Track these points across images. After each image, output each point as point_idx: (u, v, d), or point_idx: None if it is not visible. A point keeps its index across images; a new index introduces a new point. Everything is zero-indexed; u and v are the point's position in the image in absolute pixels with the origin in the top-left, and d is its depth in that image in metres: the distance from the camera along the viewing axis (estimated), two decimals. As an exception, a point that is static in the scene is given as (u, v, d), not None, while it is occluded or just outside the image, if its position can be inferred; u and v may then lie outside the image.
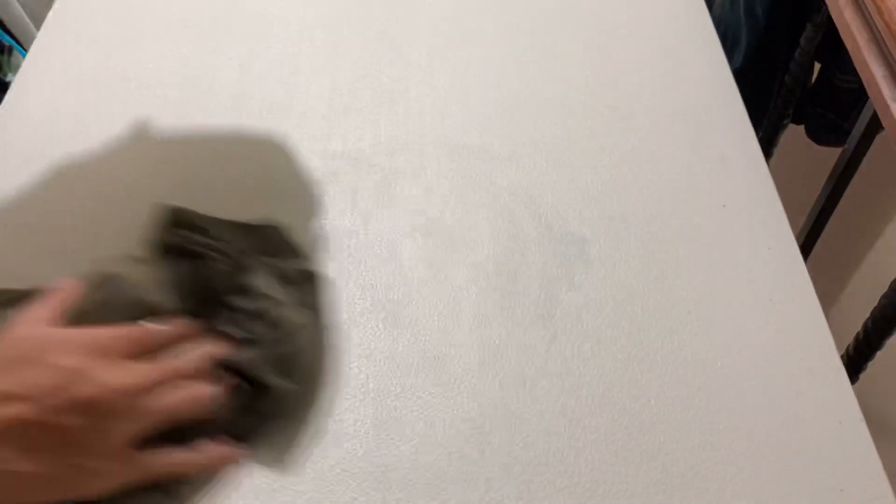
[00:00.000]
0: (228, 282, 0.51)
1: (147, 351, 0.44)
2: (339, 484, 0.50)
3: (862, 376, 0.97)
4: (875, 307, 0.92)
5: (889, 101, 0.73)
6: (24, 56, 0.94)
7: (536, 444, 0.52)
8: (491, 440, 0.52)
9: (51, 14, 0.80)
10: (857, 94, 1.12)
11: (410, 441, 0.52)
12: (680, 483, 0.51)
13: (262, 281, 0.52)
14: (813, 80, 1.19)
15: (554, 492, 0.50)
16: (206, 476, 0.47)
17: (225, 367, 0.47)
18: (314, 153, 0.69)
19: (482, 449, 0.52)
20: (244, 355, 0.48)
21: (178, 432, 0.44)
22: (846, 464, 0.53)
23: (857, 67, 0.80)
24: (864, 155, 1.03)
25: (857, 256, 1.35)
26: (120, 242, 0.55)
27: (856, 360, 0.95)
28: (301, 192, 0.65)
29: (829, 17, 0.90)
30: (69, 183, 0.65)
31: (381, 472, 0.51)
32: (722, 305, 0.60)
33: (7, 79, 1.12)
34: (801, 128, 1.24)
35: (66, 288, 0.47)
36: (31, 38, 1.10)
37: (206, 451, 0.45)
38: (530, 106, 0.75)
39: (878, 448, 0.54)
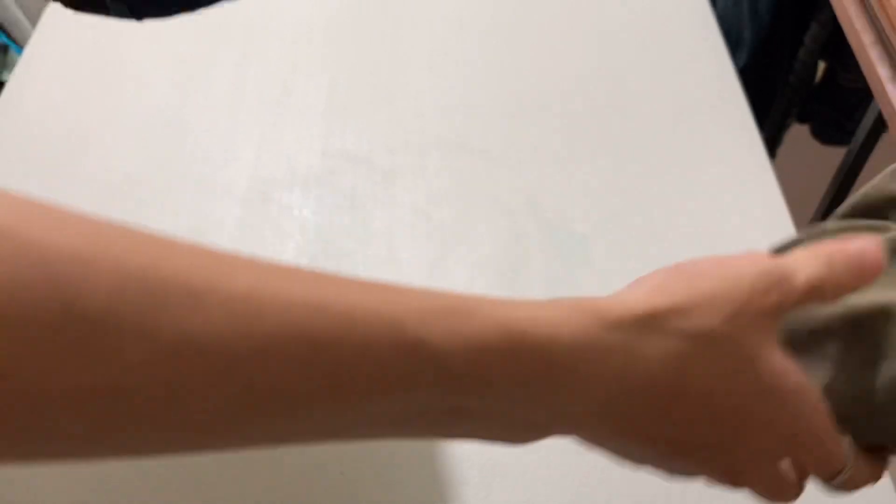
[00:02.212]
0: None
1: None
2: (340, 486, 0.49)
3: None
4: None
5: (894, 101, 0.72)
6: (19, 54, 0.94)
7: (536, 445, 0.51)
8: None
9: (46, 12, 0.80)
10: (862, 93, 1.11)
11: (410, 442, 0.51)
12: (681, 485, 0.50)
13: None
14: (818, 79, 1.18)
15: (555, 494, 0.49)
16: None
17: None
18: (313, 152, 0.68)
19: (482, 450, 0.51)
20: None
21: None
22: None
23: (862, 67, 0.79)
24: (869, 154, 1.03)
25: (862, 257, 1.34)
26: None
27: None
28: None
29: (834, 16, 0.89)
30: None
31: (381, 473, 0.50)
32: (725, 307, 0.60)
33: (3, 77, 1.11)
34: (806, 127, 1.23)
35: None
36: (27, 37, 1.09)
37: None
38: (530, 106, 0.74)
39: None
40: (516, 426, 0.29)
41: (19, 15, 1.16)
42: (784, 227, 0.66)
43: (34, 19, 1.09)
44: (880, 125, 0.97)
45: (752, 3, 1.12)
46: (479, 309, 0.27)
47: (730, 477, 0.32)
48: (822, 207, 1.11)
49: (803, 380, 0.30)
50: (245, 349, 0.22)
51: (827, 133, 1.21)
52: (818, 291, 0.30)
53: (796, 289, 0.30)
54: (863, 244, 0.31)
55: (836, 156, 1.08)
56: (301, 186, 0.65)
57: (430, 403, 0.26)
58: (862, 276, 0.31)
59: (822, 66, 1.17)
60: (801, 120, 1.23)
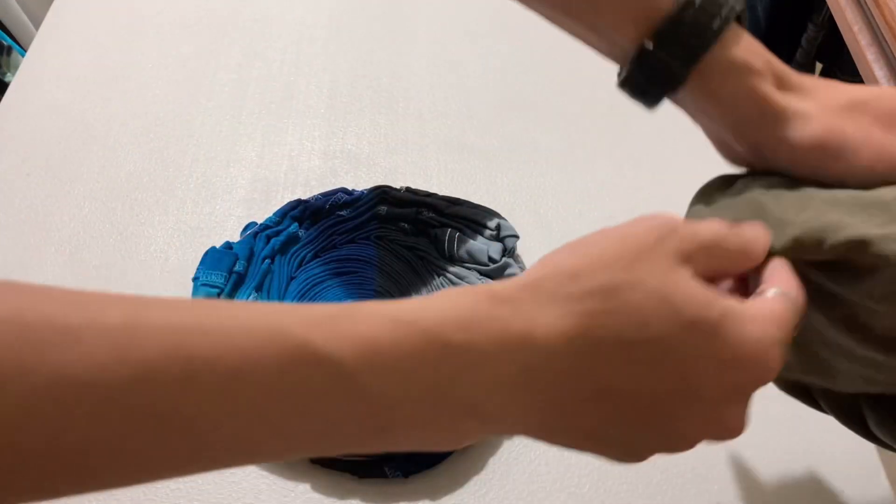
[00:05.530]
0: None
1: None
2: (341, 482, 0.50)
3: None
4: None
5: (891, 102, 0.73)
6: (22, 56, 0.94)
7: (536, 443, 0.52)
8: (490, 441, 0.52)
9: (49, 14, 0.80)
10: (858, 94, 1.11)
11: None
12: (680, 484, 0.51)
13: None
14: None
15: (554, 492, 0.50)
16: None
17: None
18: (314, 153, 0.69)
19: (482, 449, 0.51)
20: None
21: None
22: (847, 464, 0.53)
23: (859, 68, 0.80)
24: (865, 155, 1.03)
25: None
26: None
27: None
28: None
29: (831, 17, 0.90)
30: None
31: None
32: (723, 306, 0.60)
33: (6, 78, 1.11)
34: (803, 128, 1.24)
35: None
36: (30, 38, 1.09)
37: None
38: (530, 107, 0.75)
39: (881, 451, 0.53)
40: (435, 422, 0.27)
41: (22, 17, 1.17)
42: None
43: (37, 21, 1.09)
44: (876, 126, 0.97)
45: (749, 5, 1.12)
46: (362, 309, 0.26)
47: (675, 443, 0.29)
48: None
49: (730, 304, 0.29)
50: (124, 377, 0.22)
51: (824, 134, 1.21)
52: (717, 248, 0.30)
53: (697, 234, 0.30)
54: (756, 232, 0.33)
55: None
56: (303, 187, 0.66)
57: (333, 412, 0.25)
58: (749, 261, 0.32)
59: (818, 67, 1.17)
60: (798, 121, 1.23)
